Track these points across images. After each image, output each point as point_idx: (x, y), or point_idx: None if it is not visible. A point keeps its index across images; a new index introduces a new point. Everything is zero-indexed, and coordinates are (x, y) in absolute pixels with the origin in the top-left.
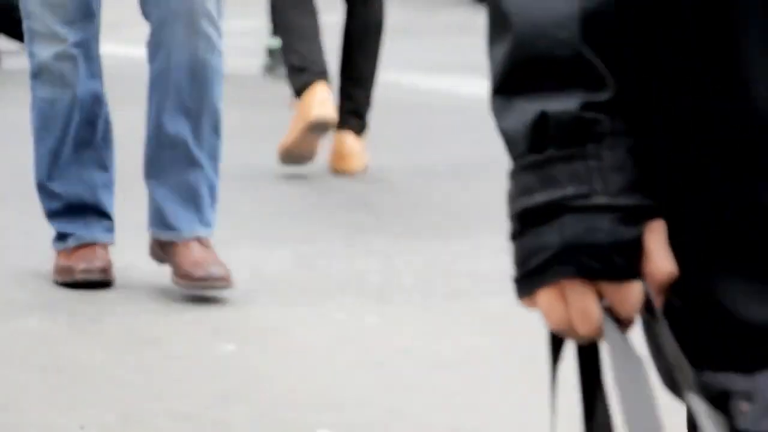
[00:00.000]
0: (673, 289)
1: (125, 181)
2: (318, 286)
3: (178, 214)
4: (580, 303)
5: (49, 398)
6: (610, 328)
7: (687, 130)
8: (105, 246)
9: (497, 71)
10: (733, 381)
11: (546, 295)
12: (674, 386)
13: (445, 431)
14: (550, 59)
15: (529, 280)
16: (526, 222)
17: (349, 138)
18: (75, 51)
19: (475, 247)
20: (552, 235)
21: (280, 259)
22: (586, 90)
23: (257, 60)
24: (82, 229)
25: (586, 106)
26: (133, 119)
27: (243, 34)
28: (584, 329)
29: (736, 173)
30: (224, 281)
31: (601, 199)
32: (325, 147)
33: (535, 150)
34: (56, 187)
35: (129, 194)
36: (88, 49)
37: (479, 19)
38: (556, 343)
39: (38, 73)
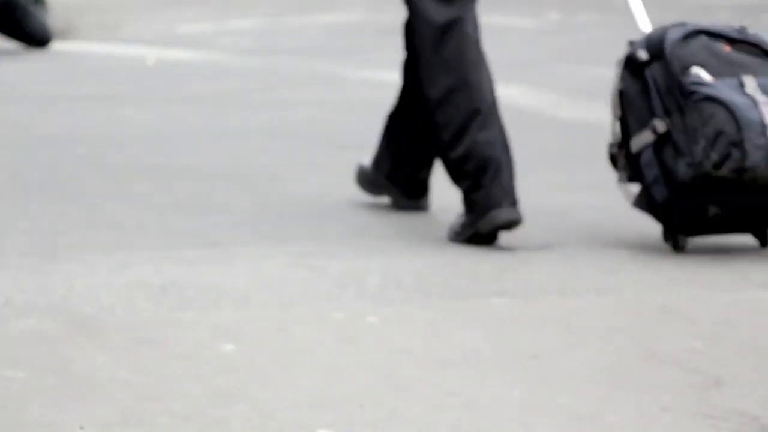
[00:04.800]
0: None
1: (126, 182)
2: (318, 286)
3: None
4: None
5: (49, 398)
6: None
7: None
8: None
9: None
10: None
11: None
12: None
13: (445, 431)
14: None
15: None
16: None
17: None
18: None
19: (475, 247)
20: None
21: (280, 258)
22: None
23: (257, 60)
24: None
25: None
26: (134, 119)
27: (243, 34)
28: None
29: None
30: None
31: None
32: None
33: None
34: None
35: (129, 194)
36: None
37: (480, 18)
38: None
39: None
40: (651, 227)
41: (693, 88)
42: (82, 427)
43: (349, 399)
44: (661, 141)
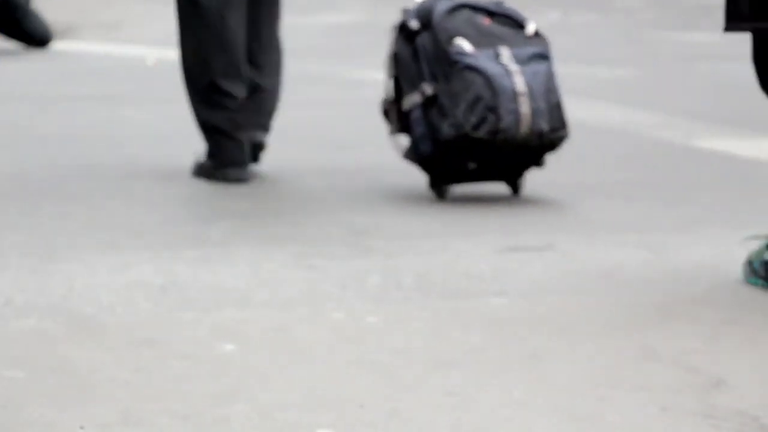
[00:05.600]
0: None
1: (126, 182)
2: (318, 286)
3: None
4: None
5: (49, 398)
6: None
7: None
8: None
9: None
10: None
11: None
12: None
13: (445, 431)
14: None
15: None
16: None
17: None
18: None
19: (475, 247)
20: None
21: (279, 259)
22: None
23: None
24: None
25: None
26: (133, 119)
27: None
28: None
29: None
30: None
31: None
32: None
33: None
34: None
35: (129, 194)
36: None
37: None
38: None
39: None
40: (649, 227)
41: (456, 57)
42: (82, 427)
43: (349, 399)
44: (429, 102)
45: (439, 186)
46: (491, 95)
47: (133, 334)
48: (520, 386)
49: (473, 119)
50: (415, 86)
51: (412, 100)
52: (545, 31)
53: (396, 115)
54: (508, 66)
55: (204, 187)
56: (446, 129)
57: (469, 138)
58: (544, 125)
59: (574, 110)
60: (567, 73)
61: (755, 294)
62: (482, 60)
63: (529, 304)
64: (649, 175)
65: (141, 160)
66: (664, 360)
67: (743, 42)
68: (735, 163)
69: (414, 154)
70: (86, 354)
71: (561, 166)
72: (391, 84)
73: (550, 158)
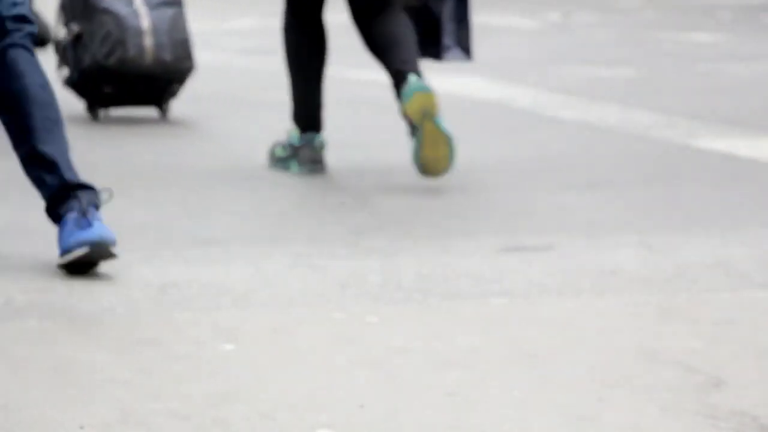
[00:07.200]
0: None
1: (126, 181)
2: (318, 286)
3: None
4: None
5: (49, 398)
6: None
7: None
8: None
9: None
10: None
11: None
12: None
13: (445, 431)
14: None
15: None
16: None
17: None
18: None
19: (475, 247)
20: None
21: (280, 258)
22: None
23: (257, 60)
24: None
25: None
26: (134, 119)
27: (243, 34)
28: None
29: None
30: None
31: None
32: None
33: None
34: None
35: (129, 194)
36: None
37: (478, 18)
38: None
39: None
40: (649, 227)
41: (94, 2)
42: (82, 427)
43: (349, 399)
44: (76, 39)
45: (93, 109)
46: (120, 31)
47: (133, 334)
48: (520, 386)
49: (104, 50)
50: (68, 27)
51: (66, 37)
52: (545, 32)
53: (60, 52)
54: (137, 9)
55: (204, 187)
56: (86, 60)
57: (102, 66)
58: (168, 56)
59: (574, 110)
60: (567, 73)
61: (755, 294)
62: (115, 4)
63: (529, 304)
64: (649, 175)
65: (140, 159)
66: (664, 360)
67: (743, 42)
68: (735, 163)
69: (69, 83)
70: (86, 354)
71: (561, 166)
72: (62, 28)
73: (549, 158)
